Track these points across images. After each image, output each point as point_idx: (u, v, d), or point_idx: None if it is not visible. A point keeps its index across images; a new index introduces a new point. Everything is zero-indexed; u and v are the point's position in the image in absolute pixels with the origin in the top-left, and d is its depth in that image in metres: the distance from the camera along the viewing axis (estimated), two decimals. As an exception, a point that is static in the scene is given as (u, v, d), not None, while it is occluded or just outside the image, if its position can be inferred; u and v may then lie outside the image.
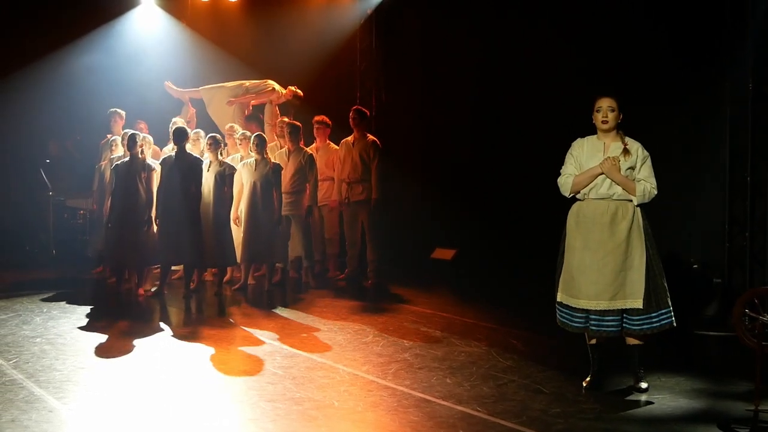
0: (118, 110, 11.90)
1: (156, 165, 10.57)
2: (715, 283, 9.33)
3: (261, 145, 10.84)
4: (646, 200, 6.46)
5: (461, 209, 12.42)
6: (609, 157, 6.46)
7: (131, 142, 10.40)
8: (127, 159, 10.50)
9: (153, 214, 10.46)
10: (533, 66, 11.56)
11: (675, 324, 6.53)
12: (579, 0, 10.85)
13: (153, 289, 10.62)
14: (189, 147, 10.65)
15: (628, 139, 6.54)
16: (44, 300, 10.19)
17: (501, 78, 12.20)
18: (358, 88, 14.10)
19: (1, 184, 13.26)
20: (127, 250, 10.38)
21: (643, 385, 6.61)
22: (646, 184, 6.44)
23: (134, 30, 13.80)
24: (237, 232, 10.86)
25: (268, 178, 10.78)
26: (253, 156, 10.89)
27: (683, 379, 6.97)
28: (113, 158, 11.11)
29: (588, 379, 6.68)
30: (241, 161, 11.05)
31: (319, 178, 11.53)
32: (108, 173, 11.12)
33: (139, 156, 10.44)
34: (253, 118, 12.73)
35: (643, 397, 6.49)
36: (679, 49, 9.77)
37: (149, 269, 10.92)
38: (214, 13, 14.13)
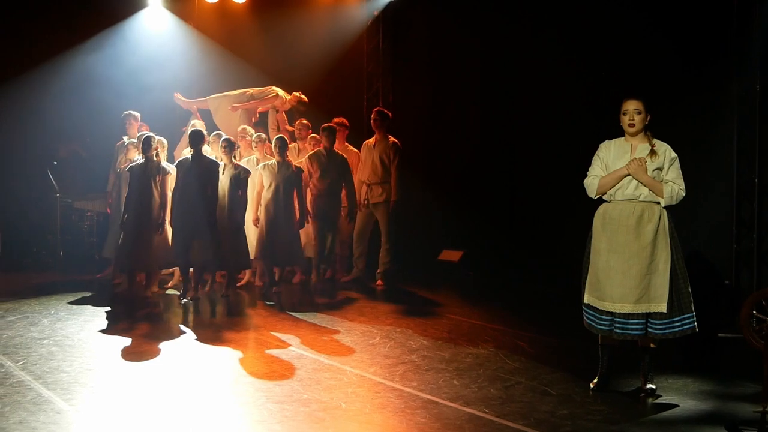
0: (133, 112, 11.87)
1: (171, 168, 10.58)
2: (723, 285, 9.33)
3: (283, 147, 10.83)
4: (674, 202, 6.43)
5: (468, 211, 12.43)
6: (635, 158, 6.45)
7: (146, 145, 10.37)
8: (142, 161, 10.48)
9: (167, 217, 10.43)
10: (541, 67, 11.57)
11: (697, 329, 6.51)
12: (586, 2, 10.85)
13: (180, 295, 10.56)
14: (206, 149, 10.65)
15: (656, 141, 6.51)
16: (52, 302, 10.20)
17: (509, 79, 12.22)
18: (366, 90, 14.12)
19: (9, 186, 13.26)
20: (140, 252, 10.34)
21: (651, 386, 6.61)
22: (674, 186, 6.41)
23: (142, 31, 13.82)
24: (253, 234, 10.88)
25: (290, 180, 10.79)
26: (275, 158, 10.86)
27: (690, 381, 6.96)
28: (132, 161, 11.08)
29: (595, 380, 6.67)
30: (257, 164, 11.07)
31: None
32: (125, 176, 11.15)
33: (154, 159, 10.45)
34: (261, 125, 12.73)
35: (651, 399, 6.48)
36: (686, 50, 9.77)
37: (158, 272, 10.90)
38: (221, 14, 14.15)
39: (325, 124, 11.53)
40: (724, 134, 9.56)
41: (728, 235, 9.52)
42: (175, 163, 10.54)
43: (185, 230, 10.23)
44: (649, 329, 6.47)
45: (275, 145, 10.85)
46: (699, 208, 9.51)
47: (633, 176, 6.45)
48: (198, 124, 11.62)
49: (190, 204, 10.20)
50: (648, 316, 6.45)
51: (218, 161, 10.58)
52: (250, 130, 11.76)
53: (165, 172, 10.47)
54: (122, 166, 11.33)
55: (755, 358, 7.74)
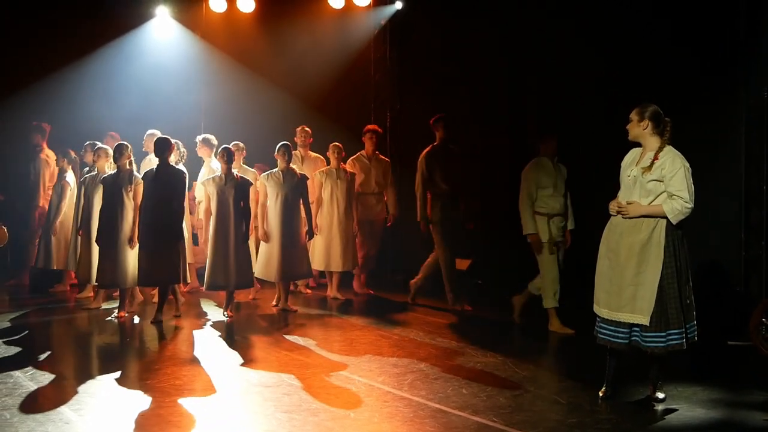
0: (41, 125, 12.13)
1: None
2: (732, 292, 9.32)
3: (288, 154, 10.44)
4: (682, 217, 6.33)
5: (476, 219, 12.40)
6: (618, 203, 6.48)
7: (117, 154, 9.92)
8: (114, 171, 10.04)
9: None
10: (547, 74, 11.56)
11: (685, 346, 6.45)
12: (599, 13, 10.85)
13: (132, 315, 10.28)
14: (172, 159, 10.05)
15: (666, 149, 6.48)
16: (59, 312, 10.20)
17: (515, 86, 12.22)
18: (373, 99, 14.12)
19: (14, 197, 13.23)
20: (116, 268, 9.79)
21: (660, 395, 6.59)
22: (675, 203, 6.31)
23: (150, 42, 13.86)
24: (264, 250, 10.46)
25: (297, 189, 10.40)
26: (278, 166, 10.44)
27: (700, 389, 6.94)
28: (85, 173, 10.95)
29: (604, 388, 6.65)
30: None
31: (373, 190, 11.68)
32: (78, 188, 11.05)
33: (126, 168, 9.94)
34: None
35: (660, 408, 6.46)
36: (695, 58, 9.77)
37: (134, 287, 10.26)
38: (228, 24, 14.16)
39: (373, 128, 11.30)
40: (732, 142, 9.54)
41: (737, 242, 9.49)
42: (141, 175, 9.96)
43: (150, 246, 9.65)
44: (634, 338, 6.47)
45: (281, 152, 10.40)
46: (708, 215, 9.48)
47: (629, 216, 6.43)
48: (158, 133, 11.52)
49: (155, 218, 9.64)
50: (633, 326, 6.44)
51: (184, 171, 10.03)
52: (209, 137, 11.51)
53: (138, 182, 9.89)
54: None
55: (765, 365, 7.74)
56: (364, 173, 11.69)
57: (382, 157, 11.92)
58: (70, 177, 11.59)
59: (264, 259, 10.44)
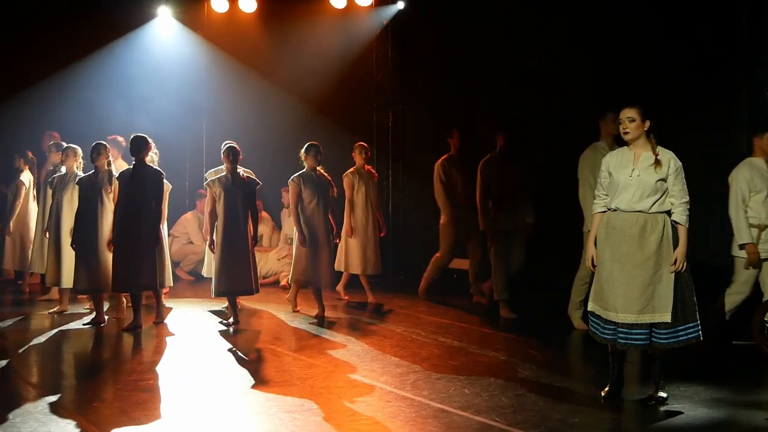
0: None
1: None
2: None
3: (319, 154, 9.97)
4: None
5: (477, 219, 12.41)
6: (677, 263, 6.36)
7: (95, 153, 9.55)
8: (90, 172, 9.72)
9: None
10: (549, 76, 11.57)
11: (702, 338, 6.45)
12: (596, 16, 10.86)
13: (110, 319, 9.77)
14: (150, 159, 9.62)
15: (659, 149, 6.46)
16: (60, 313, 10.19)
17: (517, 87, 12.22)
18: (375, 99, 14.13)
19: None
20: (99, 272, 9.49)
21: (662, 394, 6.57)
22: (683, 209, 6.36)
23: (152, 42, 13.87)
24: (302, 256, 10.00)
25: (327, 193, 10.05)
26: (307, 166, 10.01)
27: (702, 389, 6.93)
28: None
29: (607, 388, 6.64)
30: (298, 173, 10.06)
31: None
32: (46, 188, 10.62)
33: (104, 168, 9.63)
34: None
35: (662, 407, 6.46)
36: (698, 61, 9.78)
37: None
38: (230, 24, 14.18)
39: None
40: (734, 142, 9.54)
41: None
42: (116, 175, 9.47)
43: (126, 251, 9.21)
44: (653, 339, 6.43)
45: (312, 153, 9.96)
46: (710, 216, 9.49)
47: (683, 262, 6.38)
48: (55, 135, 11.40)
49: (132, 220, 9.22)
50: (652, 325, 6.41)
51: (162, 171, 9.58)
52: (120, 141, 10.83)
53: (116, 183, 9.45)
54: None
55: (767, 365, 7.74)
56: (499, 177, 10.14)
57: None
58: (26, 177, 11.53)
59: (303, 265, 10.01)
